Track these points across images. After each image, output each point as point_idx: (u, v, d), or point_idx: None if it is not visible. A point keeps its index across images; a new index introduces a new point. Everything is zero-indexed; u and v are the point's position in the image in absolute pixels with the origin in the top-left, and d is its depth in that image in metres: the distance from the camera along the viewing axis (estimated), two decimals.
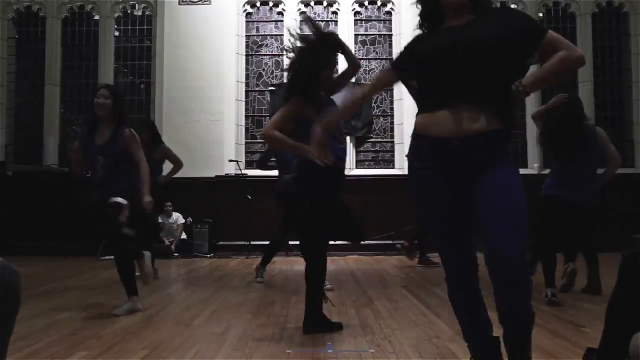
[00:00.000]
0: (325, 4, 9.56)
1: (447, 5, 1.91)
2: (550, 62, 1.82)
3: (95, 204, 3.83)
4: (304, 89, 3.12)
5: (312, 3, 9.60)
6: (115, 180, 3.78)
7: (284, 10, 9.51)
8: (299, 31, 3.31)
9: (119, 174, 3.81)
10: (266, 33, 9.61)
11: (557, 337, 2.95)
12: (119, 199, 3.72)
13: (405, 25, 9.26)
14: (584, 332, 3.05)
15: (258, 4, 9.56)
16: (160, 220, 8.36)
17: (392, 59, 9.45)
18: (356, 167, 9.25)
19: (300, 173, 3.23)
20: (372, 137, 9.35)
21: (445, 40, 1.88)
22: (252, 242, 7.86)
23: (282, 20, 9.53)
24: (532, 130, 9.32)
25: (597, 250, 4.38)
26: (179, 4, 9.23)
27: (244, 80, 9.44)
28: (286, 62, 3.44)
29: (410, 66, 2.01)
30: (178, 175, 8.47)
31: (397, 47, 9.36)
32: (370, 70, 9.51)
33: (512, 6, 9.62)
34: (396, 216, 8.40)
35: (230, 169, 8.75)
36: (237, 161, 8.56)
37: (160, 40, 9.26)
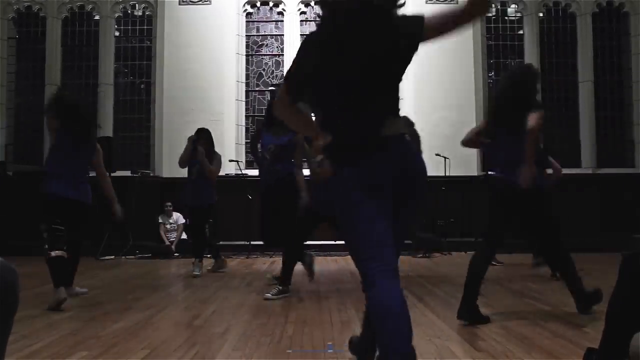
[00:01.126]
0: None
1: None
2: None
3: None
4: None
5: (312, 3, 9.59)
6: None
7: (284, 10, 9.51)
8: None
9: None
10: (266, 33, 9.61)
11: (557, 337, 2.95)
12: None
13: None
14: (584, 332, 3.04)
15: (258, 4, 9.56)
16: (160, 221, 8.37)
17: None
18: None
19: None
20: None
21: None
22: (252, 242, 7.85)
23: (282, 20, 9.54)
24: None
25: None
26: (179, 4, 9.24)
27: (244, 80, 9.44)
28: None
29: None
30: (178, 175, 8.50)
31: None
32: None
33: (513, 5, 9.67)
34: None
35: (231, 169, 8.75)
36: (237, 161, 8.56)
37: (160, 40, 9.26)
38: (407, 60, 1.96)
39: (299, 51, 1.94)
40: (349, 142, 1.88)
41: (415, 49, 1.94)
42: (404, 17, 1.92)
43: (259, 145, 4.96)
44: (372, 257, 1.84)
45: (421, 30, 1.89)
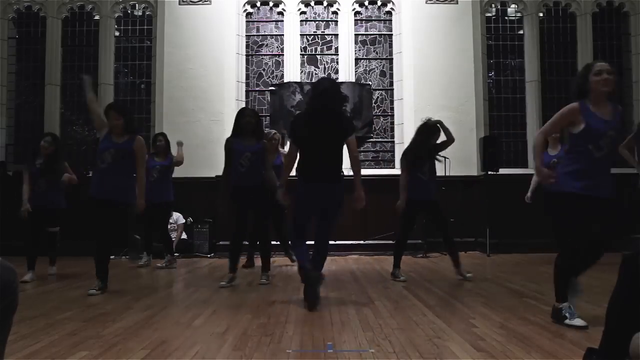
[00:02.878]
0: (325, 4, 9.56)
1: None
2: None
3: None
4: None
5: (312, 3, 9.60)
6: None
7: (284, 10, 9.52)
8: None
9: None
10: (266, 33, 9.61)
11: (557, 337, 2.95)
12: None
13: (405, 25, 9.27)
14: (584, 332, 3.04)
15: (258, 4, 9.56)
16: None
17: (392, 59, 9.46)
18: None
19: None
20: (372, 137, 9.35)
21: None
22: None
23: (282, 20, 9.54)
24: (532, 132, 9.33)
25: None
26: (179, 4, 9.24)
27: (244, 80, 9.44)
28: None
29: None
30: (178, 175, 8.49)
31: (397, 47, 9.37)
32: (370, 70, 9.51)
33: (513, 6, 9.67)
34: (396, 216, 8.39)
35: None
36: None
37: (160, 40, 9.26)
38: (341, 142, 4.13)
39: (291, 124, 4.33)
40: (306, 174, 4.13)
41: (345, 138, 4.12)
42: (347, 120, 4.41)
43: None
44: (300, 225, 4.24)
45: (350, 134, 4.14)
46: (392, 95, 9.43)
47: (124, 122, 4.75)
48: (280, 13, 9.56)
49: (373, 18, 9.62)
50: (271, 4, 9.59)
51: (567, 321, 3.18)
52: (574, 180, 3.23)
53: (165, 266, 6.80)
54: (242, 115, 5.25)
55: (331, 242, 6.95)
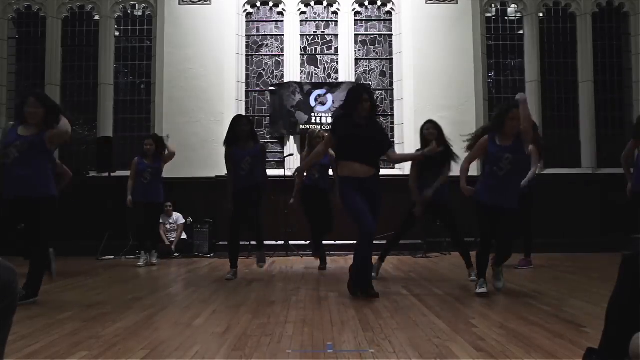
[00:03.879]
0: (325, 4, 9.56)
1: (360, 114, 4.41)
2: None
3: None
4: None
5: (312, 3, 9.60)
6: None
7: (284, 10, 9.51)
8: None
9: None
10: (266, 33, 9.61)
11: (557, 337, 2.94)
12: None
13: (405, 25, 9.26)
14: (584, 332, 3.04)
15: (258, 4, 9.56)
16: (160, 221, 8.38)
17: (392, 59, 9.46)
18: None
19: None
20: None
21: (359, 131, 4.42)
22: (253, 242, 7.85)
23: (282, 20, 9.54)
24: None
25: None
26: (179, 4, 9.24)
27: (244, 80, 9.44)
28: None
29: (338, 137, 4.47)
30: (178, 175, 8.49)
31: (397, 47, 9.36)
32: (370, 70, 9.51)
33: (513, 6, 9.68)
34: (396, 216, 8.38)
35: None
36: None
37: (160, 40, 9.26)
38: (382, 150, 4.49)
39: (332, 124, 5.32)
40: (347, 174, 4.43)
41: (385, 149, 4.51)
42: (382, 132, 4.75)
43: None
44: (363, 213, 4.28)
45: (388, 148, 4.58)
46: (392, 96, 9.43)
47: (44, 114, 4.30)
48: (280, 13, 9.56)
49: (373, 18, 9.62)
50: (271, 4, 9.59)
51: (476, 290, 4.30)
52: (485, 192, 4.38)
53: (145, 265, 6.89)
54: (238, 124, 5.51)
55: (331, 242, 7.06)
